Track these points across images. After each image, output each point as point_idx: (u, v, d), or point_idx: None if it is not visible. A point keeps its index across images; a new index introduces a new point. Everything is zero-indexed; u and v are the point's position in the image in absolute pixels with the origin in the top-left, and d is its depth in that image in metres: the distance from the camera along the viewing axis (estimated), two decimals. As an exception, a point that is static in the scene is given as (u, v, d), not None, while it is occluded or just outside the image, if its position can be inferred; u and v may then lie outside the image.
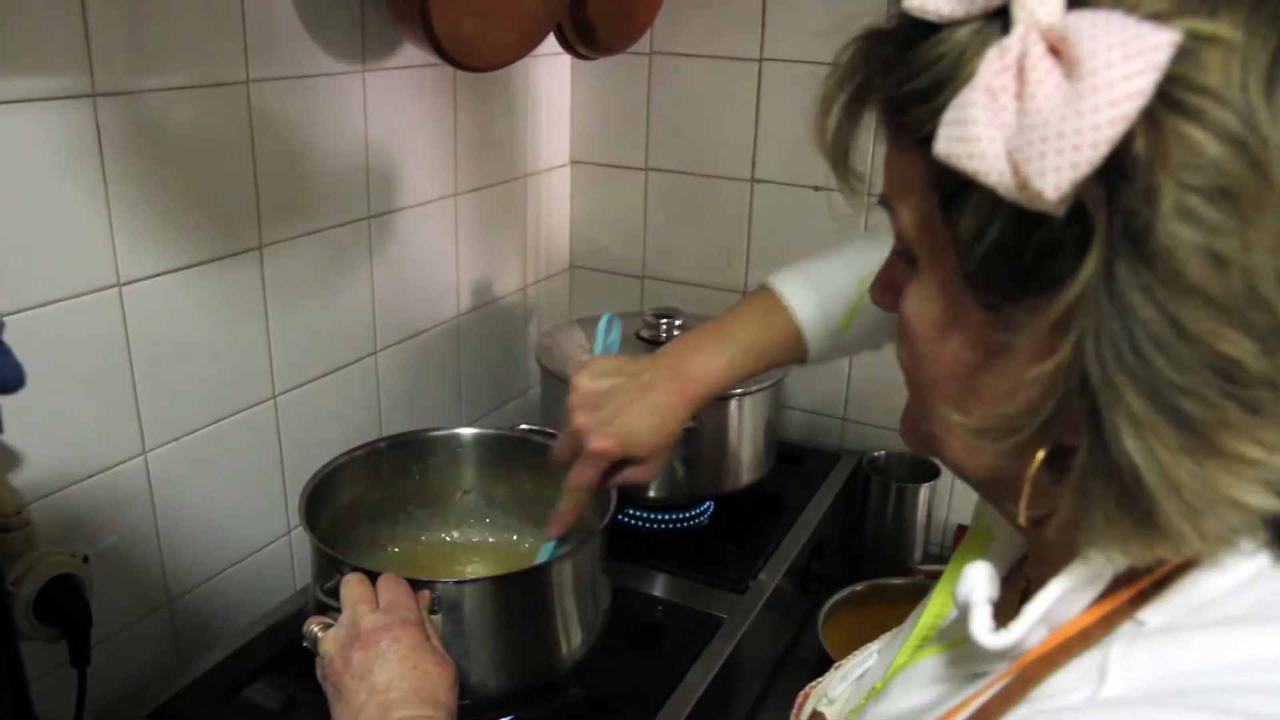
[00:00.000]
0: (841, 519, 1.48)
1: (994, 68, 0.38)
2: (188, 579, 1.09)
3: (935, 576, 1.45)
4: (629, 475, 0.90)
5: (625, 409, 0.87)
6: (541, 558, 0.98)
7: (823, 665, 1.18)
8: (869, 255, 0.88)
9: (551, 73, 1.58)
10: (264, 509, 1.18)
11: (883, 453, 1.52)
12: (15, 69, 0.83)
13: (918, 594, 1.27)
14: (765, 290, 0.91)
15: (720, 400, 1.29)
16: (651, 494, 1.32)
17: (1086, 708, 0.41)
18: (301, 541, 1.21)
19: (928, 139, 0.41)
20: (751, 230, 1.58)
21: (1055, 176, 0.36)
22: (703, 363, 0.89)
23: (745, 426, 1.33)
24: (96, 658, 0.93)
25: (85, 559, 0.91)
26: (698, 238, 1.62)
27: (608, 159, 1.66)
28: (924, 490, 1.44)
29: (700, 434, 1.29)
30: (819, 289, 0.90)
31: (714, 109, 1.55)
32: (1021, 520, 0.45)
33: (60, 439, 0.93)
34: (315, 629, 0.81)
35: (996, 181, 0.38)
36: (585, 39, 1.35)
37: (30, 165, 0.86)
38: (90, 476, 0.96)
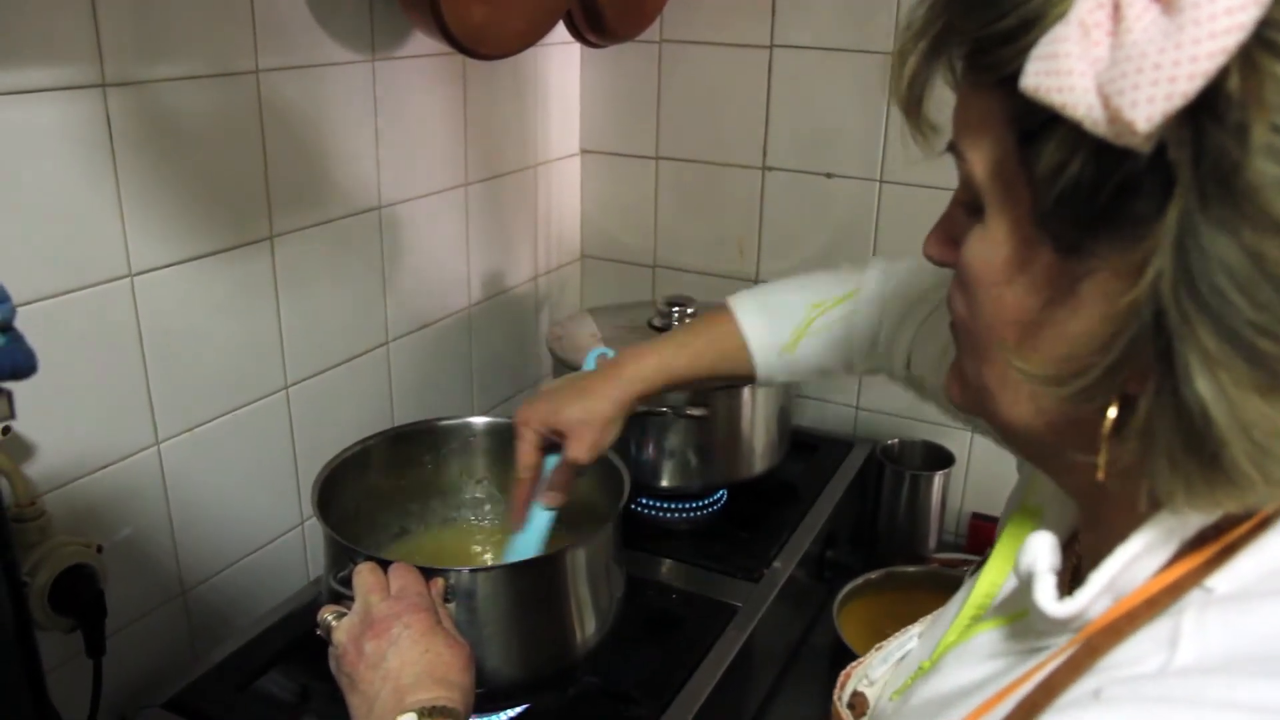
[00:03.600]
0: (855, 507, 1.47)
1: (1089, 5, 0.38)
2: (202, 569, 1.09)
3: (950, 564, 1.46)
4: (564, 453, 0.94)
5: (556, 394, 0.95)
6: (510, 554, 0.98)
7: (838, 653, 1.18)
8: (826, 284, 0.94)
9: (561, 61, 1.57)
10: (277, 499, 1.18)
11: (896, 441, 1.51)
12: (25, 59, 0.83)
13: (933, 582, 1.28)
14: (721, 307, 0.97)
15: (733, 388, 1.29)
16: (665, 483, 1.32)
17: (1160, 676, 0.41)
18: (315, 531, 1.21)
19: (1011, 78, 0.41)
20: (763, 218, 1.57)
21: (1148, 108, 0.36)
22: (636, 353, 0.95)
23: (758, 415, 1.33)
24: (112, 648, 0.94)
25: (100, 549, 0.92)
26: (709, 226, 1.61)
27: (618, 148, 1.65)
28: (938, 478, 1.44)
29: (713, 422, 1.29)
30: (769, 309, 0.95)
31: (725, 96, 1.54)
32: (1101, 474, 0.45)
33: (73, 430, 0.93)
34: (329, 618, 0.81)
35: (1084, 114, 0.38)
36: (595, 27, 1.34)
37: (40, 156, 0.86)
38: (104, 467, 0.96)
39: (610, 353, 1.05)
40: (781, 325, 0.94)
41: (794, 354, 0.94)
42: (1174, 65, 0.36)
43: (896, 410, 1.56)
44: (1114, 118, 0.37)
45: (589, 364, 1.05)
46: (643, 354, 0.95)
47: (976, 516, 1.53)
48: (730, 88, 1.53)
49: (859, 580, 1.27)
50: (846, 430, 1.61)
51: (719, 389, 1.25)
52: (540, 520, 0.98)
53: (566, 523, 1.08)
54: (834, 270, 0.96)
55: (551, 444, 0.95)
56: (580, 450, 0.92)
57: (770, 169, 1.54)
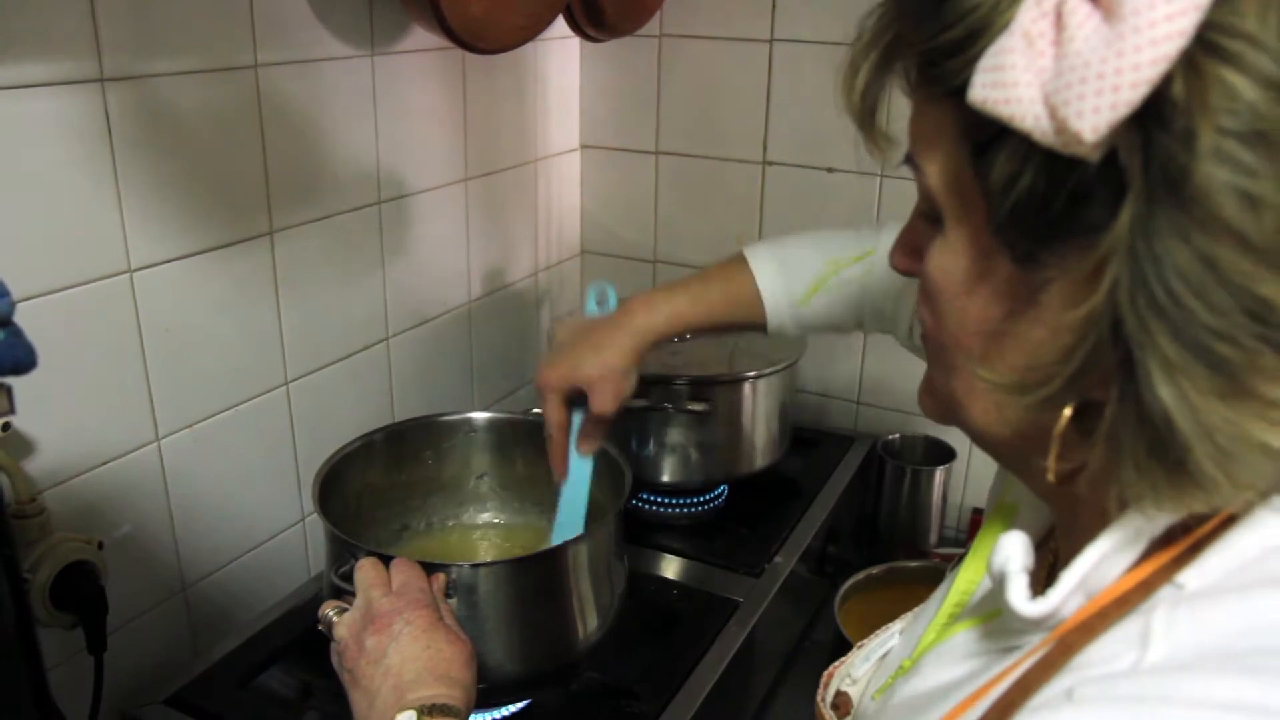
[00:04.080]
0: (857, 502, 1.47)
1: (1032, 14, 0.38)
2: (203, 565, 1.09)
3: (951, 559, 1.45)
4: (589, 407, 0.96)
5: (572, 348, 0.97)
6: (562, 511, 1.01)
7: (840, 648, 1.18)
8: (845, 242, 0.94)
9: (561, 56, 1.57)
10: (278, 495, 1.17)
11: (897, 436, 1.51)
12: (23, 54, 0.83)
13: (934, 577, 1.28)
14: (738, 256, 0.97)
15: (734, 383, 1.29)
16: (666, 478, 1.32)
17: (1132, 675, 0.41)
18: (316, 527, 1.21)
19: (960, 89, 0.41)
20: (764, 213, 1.57)
21: (1094, 118, 0.36)
22: (648, 301, 0.96)
23: (759, 410, 1.32)
24: (113, 644, 0.93)
25: (101, 546, 0.91)
26: (709, 221, 1.61)
27: (618, 143, 1.65)
28: (939, 473, 1.44)
29: (715, 418, 1.29)
30: (785, 262, 0.95)
31: (725, 91, 1.53)
32: (1051, 476, 0.45)
33: (74, 426, 0.92)
34: (330, 613, 0.81)
35: (1032, 126, 0.38)
36: (594, 21, 1.34)
37: (39, 151, 0.85)
38: (104, 464, 0.96)
39: (610, 288, 1.07)
40: (796, 280, 0.94)
41: (806, 308, 0.94)
42: (1117, 74, 0.36)
43: (897, 405, 1.55)
44: (1061, 128, 0.38)
45: (589, 301, 1.07)
46: (654, 302, 0.96)
47: (978, 511, 1.52)
48: (730, 82, 1.52)
49: (860, 575, 1.27)
50: (847, 425, 1.60)
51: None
52: (581, 467, 1.01)
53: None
54: (853, 228, 0.96)
55: (575, 396, 0.97)
56: (604, 403, 0.95)
57: (771, 164, 1.54)
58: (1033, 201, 0.41)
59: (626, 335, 0.95)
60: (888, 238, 0.92)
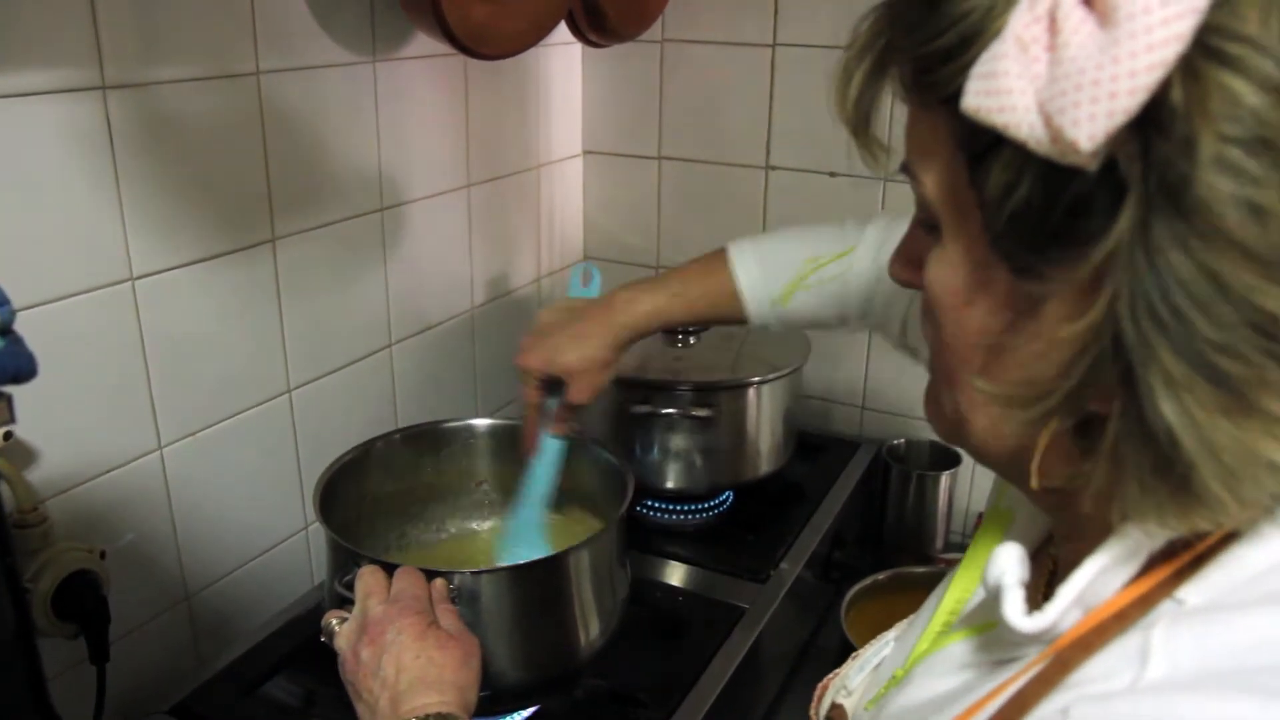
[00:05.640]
0: (862, 508, 1.46)
1: (1025, 19, 0.37)
2: (206, 574, 1.08)
3: (958, 565, 1.44)
4: (566, 395, 0.99)
5: (556, 334, 0.98)
6: (528, 491, 1.05)
7: (846, 655, 1.17)
8: (825, 239, 0.95)
9: (563, 62, 1.57)
10: (281, 503, 1.17)
11: (902, 440, 1.50)
12: (24, 61, 0.82)
13: (940, 582, 1.27)
14: (719, 251, 0.98)
15: (738, 389, 1.28)
16: (670, 485, 1.31)
17: (1130, 694, 0.40)
18: (319, 535, 1.21)
19: (954, 97, 0.40)
20: (766, 218, 1.56)
21: (1090, 126, 0.35)
22: (630, 297, 0.98)
23: (764, 415, 1.32)
24: (115, 654, 0.93)
25: (103, 555, 0.91)
26: (712, 226, 1.60)
27: (620, 148, 1.64)
28: (945, 478, 1.43)
29: (719, 424, 1.28)
30: (766, 258, 0.96)
31: (727, 96, 1.53)
32: (1033, 484, 0.44)
33: (75, 435, 0.92)
34: (333, 623, 0.81)
35: (1027, 135, 0.37)
36: (597, 26, 1.34)
37: (40, 159, 0.85)
38: (106, 472, 0.96)
39: (595, 269, 1.12)
40: (775, 278, 0.95)
41: (786, 306, 0.95)
42: (1113, 80, 0.34)
43: (902, 410, 1.55)
44: (1056, 137, 0.36)
45: (574, 280, 1.10)
46: (636, 297, 0.97)
47: (983, 516, 1.52)
48: (733, 87, 1.52)
49: (866, 581, 1.26)
50: (852, 430, 1.60)
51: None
52: (552, 447, 1.04)
53: (567, 518, 1.10)
54: (837, 224, 0.97)
55: (553, 381, 1.00)
56: (580, 394, 0.98)
57: (773, 168, 1.53)
58: (1030, 212, 0.40)
59: (608, 330, 0.97)
60: (872, 233, 0.92)
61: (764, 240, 0.98)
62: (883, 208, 1.46)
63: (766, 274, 0.95)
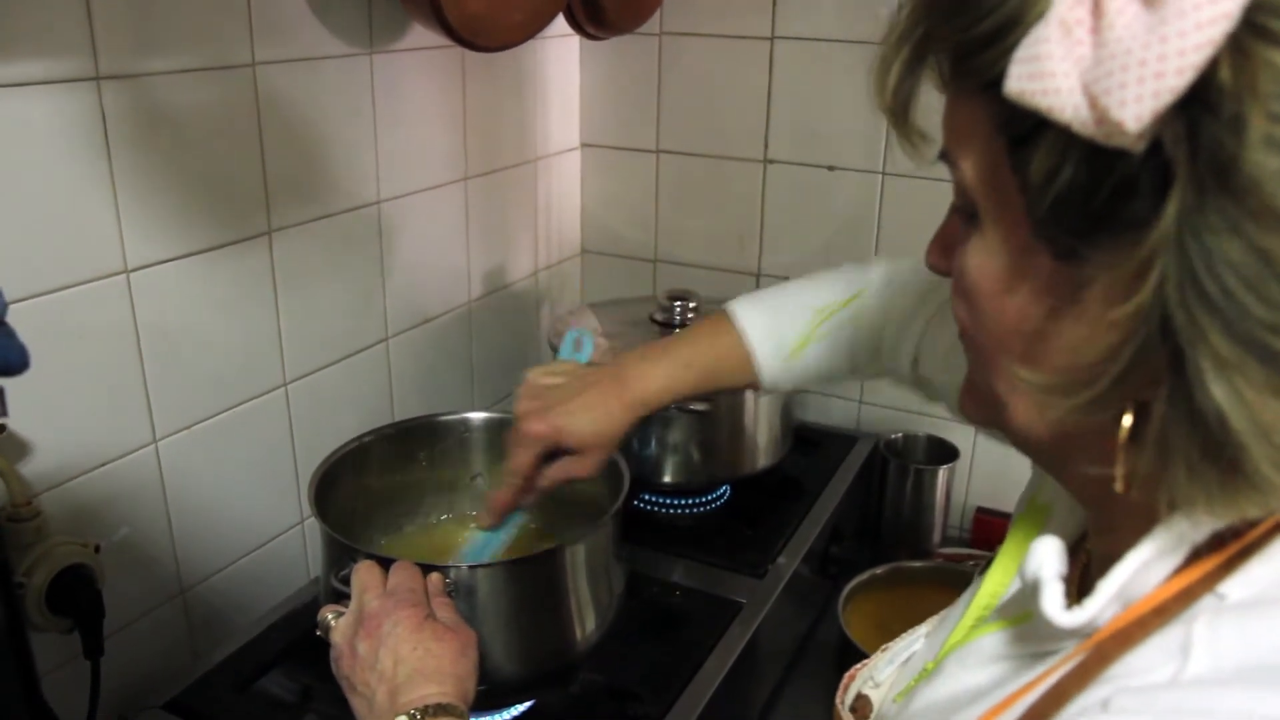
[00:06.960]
0: (860, 502, 1.46)
1: (1069, 2, 0.37)
2: (201, 569, 1.08)
3: (955, 559, 1.45)
4: (566, 466, 0.92)
5: (565, 401, 0.90)
6: (469, 555, 0.95)
7: (844, 649, 1.17)
8: (830, 287, 0.92)
9: (561, 54, 1.56)
10: (277, 497, 1.17)
11: (900, 435, 1.50)
12: (17, 52, 0.82)
13: (938, 577, 1.27)
14: (721, 314, 0.94)
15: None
16: (668, 479, 1.31)
17: (1172, 686, 0.40)
18: (315, 529, 1.20)
19: (995, 82, 0.40)
20: (765, 212, 1.56)
21: (1136, 107, 0.35)
22: (642, 372, 0.91)
23: (761, 409, 1.32)
24: (110, 649, 0.93)
25: (97, 549, 0.91)
26: (710, 220, 1.60)
27: (618, 141, 1.64)
28: (942, 472, 1.43)
29: (716, 418, 1.28)
30: (773, 315, 0.92)
31: (725, 89, 1.53)
32: (1119, 487, 0.43)
33: (70, 428, 0.92)
34: (329, 618, 0.81)
35: (1071, 117, 0.37)
36: (594, 19, 1.33)
37: (34, 150, 0.84)
38: (100, 466, 0.95)
39: (587, 336, 1.04)
40: (786, 332, 0.91)
41: (799, 360, 0.91)
42: (1160, 60, 0.34)
43: (900, 404, 1.54)
44: (1102, 118, 0.36)
45: (566, 345, 1.04)
46: (647, 374, 0.91)
47: (981, 511, 1.52)
48: (731, 80, 1.52)
49: (864, 576, 1.26)
50: (850, 425, 1.60)
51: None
52: (513, 519, 0.97)
53: (567, 518, 1.08)
54: (837, 271, 0.94)
55: (551, 453, 0.92)
56: (587, 468, 0.91)
57: (772, 162, 1.53)
58: (1074, 195, 0.39)
59: (623, 407, 0.90)
60: (876, 275, 0.91)
61: (766, 297, 0.94)
62: (880, 201, 1.46)
63: (778, 329, 0.91)
